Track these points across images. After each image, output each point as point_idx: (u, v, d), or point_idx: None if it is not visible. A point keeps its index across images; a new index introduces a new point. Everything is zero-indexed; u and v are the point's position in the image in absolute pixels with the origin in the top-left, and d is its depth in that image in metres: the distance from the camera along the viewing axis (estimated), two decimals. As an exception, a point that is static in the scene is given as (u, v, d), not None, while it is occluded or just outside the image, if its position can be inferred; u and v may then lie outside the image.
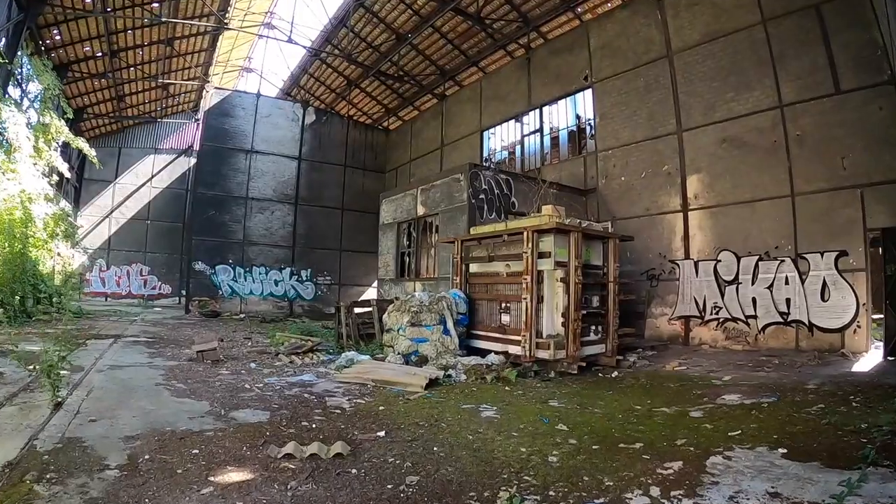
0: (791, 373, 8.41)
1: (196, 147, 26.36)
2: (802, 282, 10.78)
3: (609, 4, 16.06)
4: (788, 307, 10.94)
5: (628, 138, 14.26)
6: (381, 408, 5.96)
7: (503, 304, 9.38)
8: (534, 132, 17.73)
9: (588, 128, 15.78)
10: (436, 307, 9.03)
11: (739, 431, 4.97)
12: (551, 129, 17.25)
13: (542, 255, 8.70)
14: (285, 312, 22.97)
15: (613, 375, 8.64)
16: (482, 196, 12.53)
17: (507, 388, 7.35)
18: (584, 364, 8.68)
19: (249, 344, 11.77)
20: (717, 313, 12.08)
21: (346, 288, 25.55)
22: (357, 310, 11.78)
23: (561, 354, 8.46)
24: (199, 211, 21.66)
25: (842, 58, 10.48)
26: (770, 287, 11.24)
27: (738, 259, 11.77)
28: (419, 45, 21.09)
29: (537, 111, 17.56)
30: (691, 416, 5.75)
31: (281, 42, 20.78)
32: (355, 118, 26.99)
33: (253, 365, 8.69)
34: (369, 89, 25.85)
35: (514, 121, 18.71)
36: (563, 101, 16.70)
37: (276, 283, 23.24)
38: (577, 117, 16.24)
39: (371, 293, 26.50)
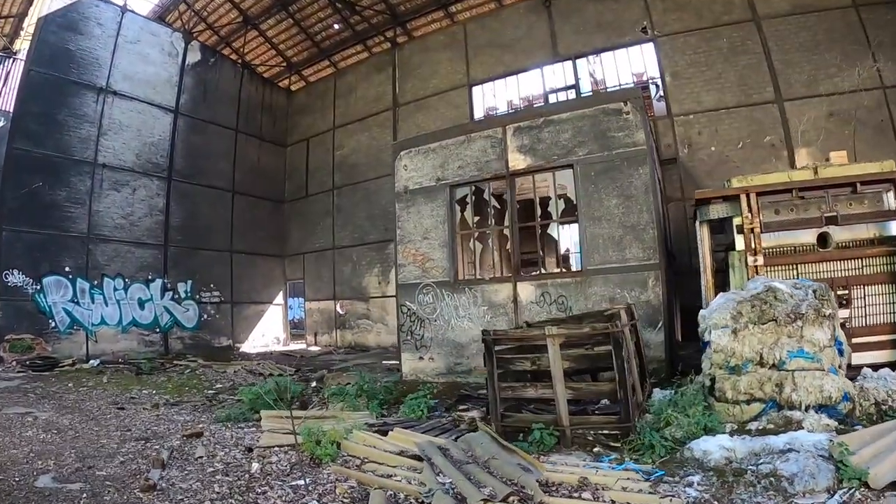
0: None
1: (6, 105, 15.33)
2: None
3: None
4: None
5: (715, 103, 12.37)
6: None
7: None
8: (565, 88, 14.29)
9: (654, 87, 13.47)
10: (829, 306, 4.84)
11: None
12: (594, 82, 14.12)
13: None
14: (159, 351, 14.57)
15: None
16: (653, 139, 8.56)
17: None
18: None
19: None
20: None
21: (241, 307, 17.90)
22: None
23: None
24: (17, 181, 12.03)
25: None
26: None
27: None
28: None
29: (569, 63, 14.28)
30: None
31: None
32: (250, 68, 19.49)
33: None
34: (271, 33, 18.92)
35: (526, 73, 15.20)
36: (610, 53, 13.86)
37: (142, 303, 14.57)
38: (633, 74, 13.76)
39: (274, 312, 19.31)
